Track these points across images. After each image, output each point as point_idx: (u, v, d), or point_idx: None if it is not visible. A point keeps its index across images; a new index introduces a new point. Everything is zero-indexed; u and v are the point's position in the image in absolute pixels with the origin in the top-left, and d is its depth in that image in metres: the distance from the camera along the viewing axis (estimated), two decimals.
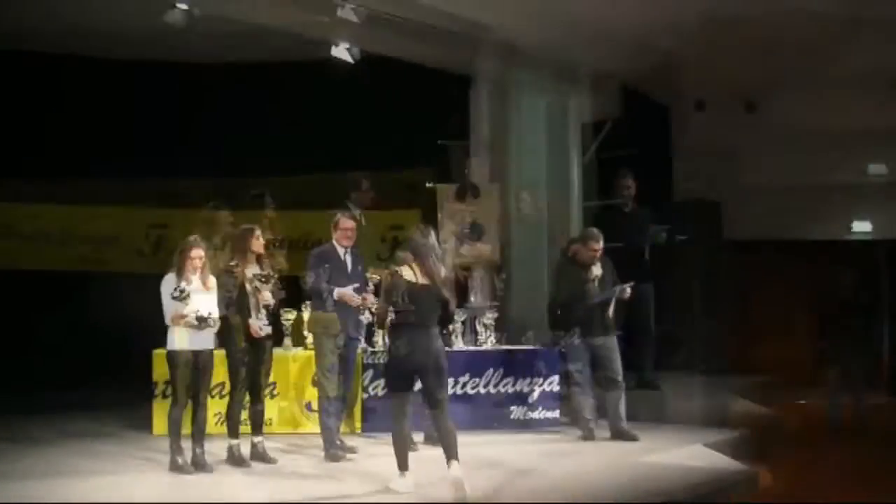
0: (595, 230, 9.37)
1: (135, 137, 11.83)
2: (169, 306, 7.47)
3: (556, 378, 10.13)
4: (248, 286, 7.79)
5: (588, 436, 9.20)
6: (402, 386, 7.02)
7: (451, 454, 6.81)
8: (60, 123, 11.60)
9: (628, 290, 9.18)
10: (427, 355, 6.86)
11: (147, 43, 11.32)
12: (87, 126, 11.70)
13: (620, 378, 9.25)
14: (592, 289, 9.22)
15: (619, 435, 9.18)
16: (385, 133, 12.09)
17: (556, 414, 10.16)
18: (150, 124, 11.89)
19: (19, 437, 9.32)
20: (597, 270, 9.25)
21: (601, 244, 9.25)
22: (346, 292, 8.34)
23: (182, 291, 7.38)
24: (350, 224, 8.52)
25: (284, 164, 12.22)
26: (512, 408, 10.06)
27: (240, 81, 12.30)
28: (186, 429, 7.63)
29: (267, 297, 7.82)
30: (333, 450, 8.24)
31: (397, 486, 6.93)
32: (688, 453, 8.56)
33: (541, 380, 10.11)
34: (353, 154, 12.07)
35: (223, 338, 8.01)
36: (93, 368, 11.03)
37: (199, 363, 7.57)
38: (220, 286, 7.74)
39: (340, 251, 8.50)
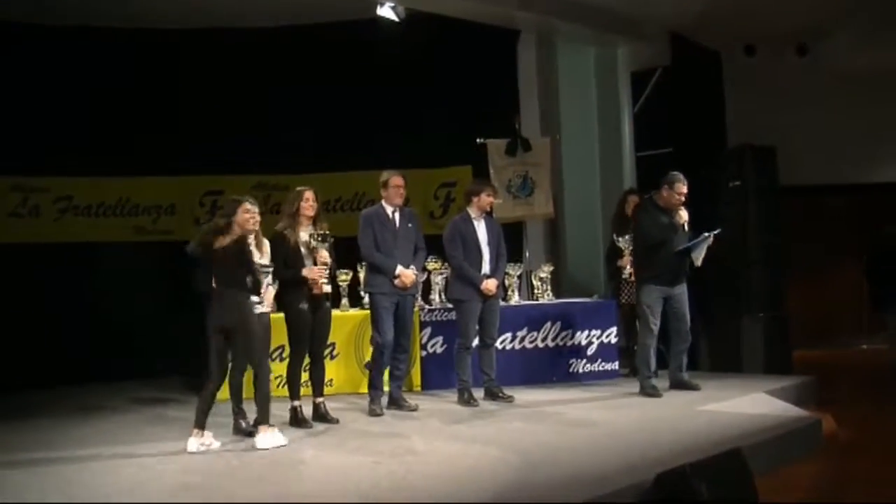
0: (680, 174, 8.87)
1: (185, 105, 11.84)
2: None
3: (613, 330, 10.07)
4: (302, 249, 7.77)
5: (652, 392, 8.89)
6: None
7: (263, 418, 7.09)
8: (113, 95, 11.65)
9: (711, 237, 8.85)
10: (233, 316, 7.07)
11: (191, 11, 11.36)
12: (139, 96, 11.74)
13: (688, 328, 9.06)
14: (681, 234, 8.85)
15: (679, 385, 9.07)
16: (434, 96, 12.00)
17: (615, 366, 10.12)
18: (199, 91, 11.90)
19: (91, 404, 9.48)
20: (685, 215, 8.84)
21: (686, 187, 8.88)
22: (404, 274, 8.38)
23: (266, 267, 7.48)
24: (400, 181, 8.48)
25: (335, 130, 12.16)
26: (571, 361, 10.03)
27: (287, 45, 12.24)
28: (248, 393, 7.66)
29: (325, 255, 7.78)
30: (374, 405, 8.38)
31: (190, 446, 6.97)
32: (750, 401, 8.46)
33: (599, 332, 10.05)
34: (400, 117, 12.01)
35: (281, 301, 8.03)
36: (154, 336, 11.12)
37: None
38: (273, 250, 7.75)
39: (389, 210, 8.49)
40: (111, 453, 7.07)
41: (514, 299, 10.18)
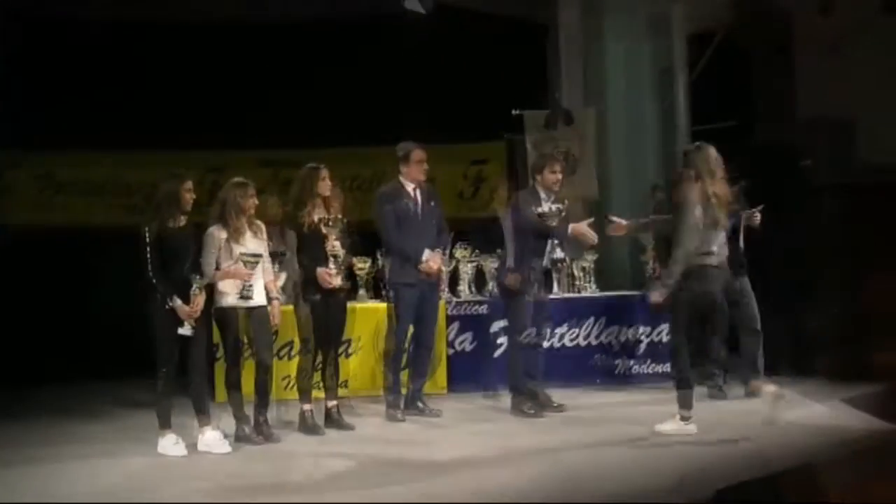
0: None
1: (195, 97, 11.98)
2: (210, 261, 7.36)
3: (665, 327, 9.96)
4: (324, 231, 7.69)
5: (719, 395, 8.89)
6: None
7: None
8: (113, 76, 11.79)
9: (758, 216, 8.69)
10: None
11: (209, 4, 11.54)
12: (145, 81, 11.92)
13: (758, 325, 8.95)
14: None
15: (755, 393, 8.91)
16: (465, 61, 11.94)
17: (666, 367, 9.98)
18: (214, 85, 12.08)
19: (82, 404, 9.50)
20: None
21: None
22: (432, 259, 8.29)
23: (253, 256, 7.33)
24: (423, 155, 8.38)
25: (351, 100, 12.15)
26: (616, 361, 9.98)
27: (306, 39, 12.32)
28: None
29: (335, 245, 7.71)
30: (392, 410, 8.34)
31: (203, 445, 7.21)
32: (824, 410, 8.40)
33: (649, 329, 9.97)
34: (426, 87, 11.97)
35: (290, 291, 7.99)
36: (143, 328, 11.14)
37: (254, 321, 7.47)
38: (283, 236, 7.72)
39: (410, 188, 8.40)
40: (119, 450, 7.29)
41: (553, 291, 10.09)
